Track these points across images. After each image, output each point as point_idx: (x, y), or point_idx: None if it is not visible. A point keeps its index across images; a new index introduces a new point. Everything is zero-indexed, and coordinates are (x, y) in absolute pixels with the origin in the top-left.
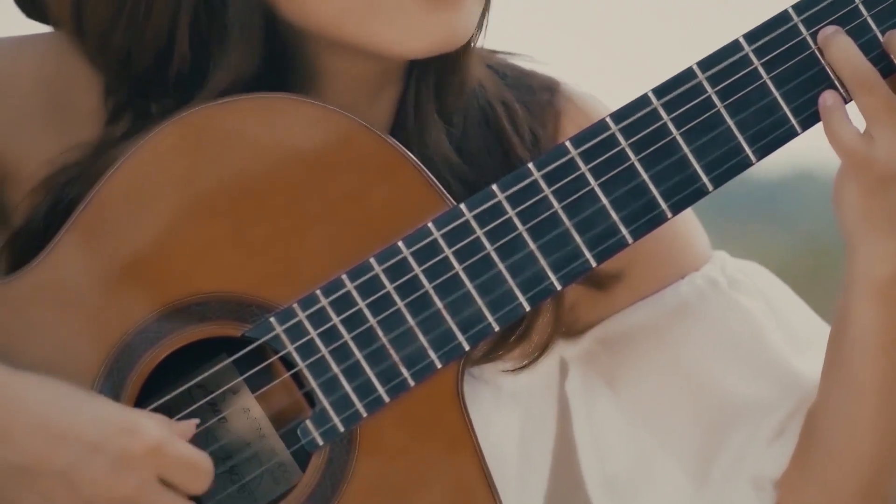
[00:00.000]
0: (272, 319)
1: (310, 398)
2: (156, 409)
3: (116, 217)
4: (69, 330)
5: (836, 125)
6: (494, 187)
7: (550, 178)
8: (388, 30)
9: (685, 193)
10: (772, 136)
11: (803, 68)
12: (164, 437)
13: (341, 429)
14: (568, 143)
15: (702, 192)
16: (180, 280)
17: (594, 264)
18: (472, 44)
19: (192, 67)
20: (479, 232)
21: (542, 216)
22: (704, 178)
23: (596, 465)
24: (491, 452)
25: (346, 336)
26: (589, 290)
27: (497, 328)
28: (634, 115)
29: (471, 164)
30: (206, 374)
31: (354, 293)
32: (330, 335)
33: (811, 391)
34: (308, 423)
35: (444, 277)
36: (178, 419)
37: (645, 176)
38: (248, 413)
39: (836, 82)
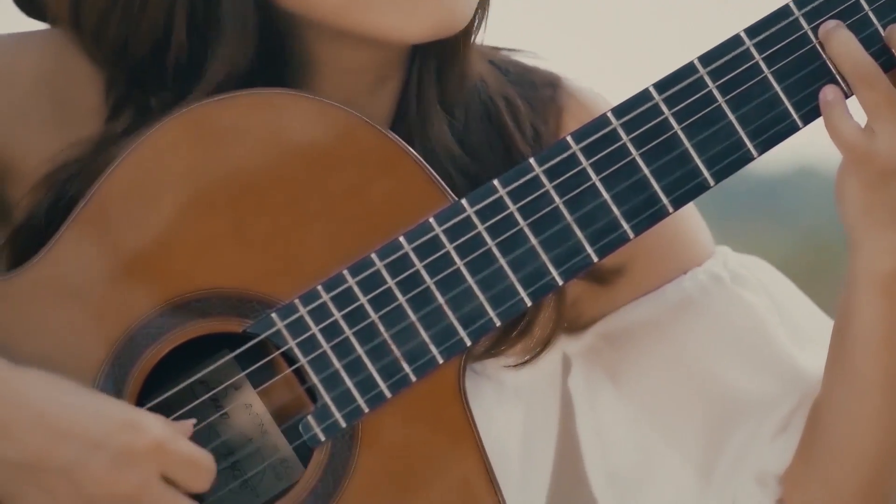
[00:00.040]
0: (273, 315)
1: (311, 394)
2: (158, 405)
3: (117, 213)
4: (71, 326)
5: (836, 120)
6: (496, 182)
7: (552, 174)
8: (387, 15)
9: (686, 188)
10: (773, 131)
11: (804, 63)
12: (166, 434)
13: (343, 424)
14: (569, 138)
15: (703, 187)
16: (181, 276)
17: (596, 259)
18: (473, 32)
19: (191, 60)
20: (481, 227)
21: (544, 211)
22: (706, 173)
23: (599, 461)
24: (493, 448)
25: (348, 331)
26: (591, 286)
27: (498, 323)
28: (636, 109)
29: (473, 159)
30: (207, 370)
31: (356, 288)
32: (331, 331)
33: (814, 386)
34: (310, 418)
35: (446, 273)
36: (179, 416)
37: (646, 171)
38: (249, 409)
39: (838, 77)
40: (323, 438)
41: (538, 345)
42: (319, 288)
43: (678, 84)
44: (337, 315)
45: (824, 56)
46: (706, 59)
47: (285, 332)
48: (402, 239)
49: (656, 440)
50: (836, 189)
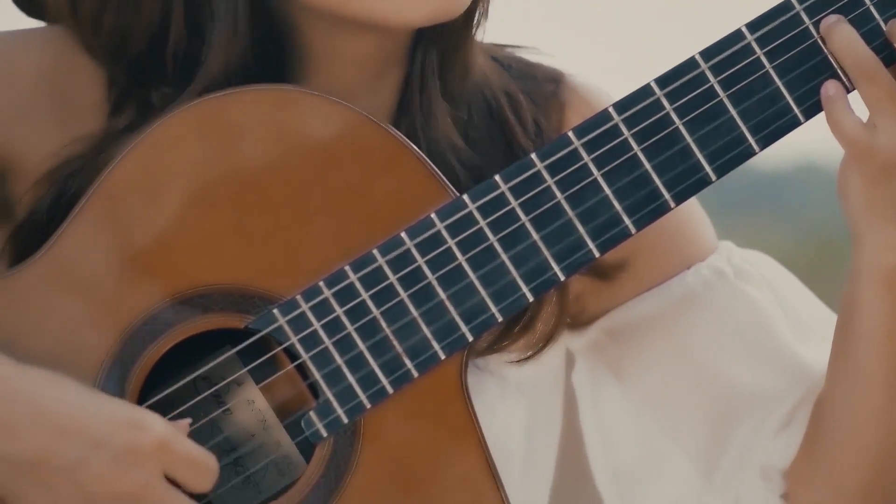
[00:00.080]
0: (275, 311)
1: (313, 389)
2: (160, 401)
3: (120, 209)
4: (73, 322)
5: (838, 115)
6: (497, 178)
7: (553, 169)
8: (385, 0)
9: (688, 183)
10: (775, 126)
11: (806, 57)
12: (170, 433)
13: (345, 420)
14: (570, 134)
15: (705, 182)
16: (183, 271)
17: (597, 254)
18: (474, 24)
19: (189, 53)
20: (482, 223)
21: (545, 207)
22: (707, 168)
23: (603, 457)
24: (495, 443)
25: (350, 327)
26: (594, 281)
27: (500, 319)
28: (637, 105)
29: (476, 152)
30: (209, 366)
31: (357, 284)
32: (333, 326)
33: (818, 381)
34: (312, 414)
35: (448, 268)
36: (181, 412)
37: (648, 166)
38: (252, 405)
39: (839, 71)
40: (325, 434)
41: (541, 340)
42: (321, 284)
43: (679, 79)
44: (339, 311)
45: (826, 51)
46: (707, 53)
47: (287, 328)
48: (403, 234)
49: (660, 435)
50: (838, 184)
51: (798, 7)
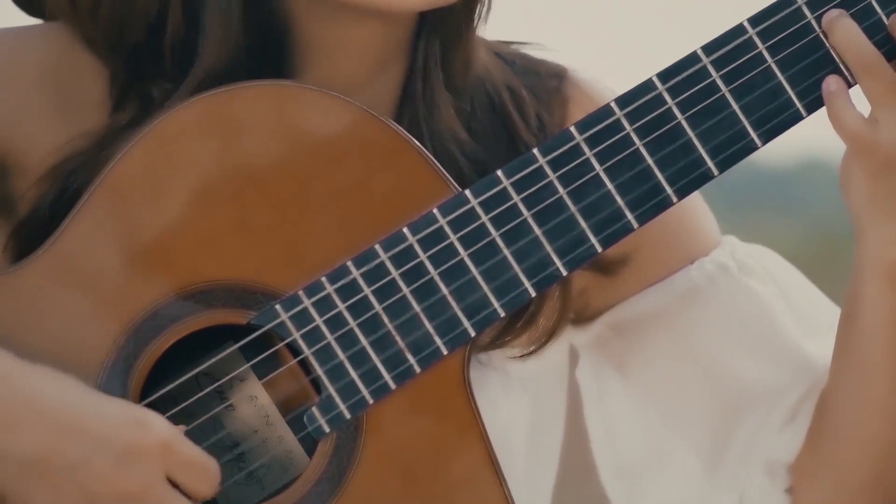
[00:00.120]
0: (278, 307)
1: (316, 385)
2: (163, 397)
3: (122, 205)
4: (76, 318)
5: (839, 110)
6: (499, 173)
7: (555, 164)
8: None
9: (690, 178)
10: (777, 120)
11: (808, 52)
12: (173, 434)
13: (348, 415)
14: (573, 129)
15: (707, 177)
16: (186, 267)
17: (599, 249)
18: (476, 15)
19: (188, 47)
20: (485, 218)
21: (548, 201)
22: (710, 163)
23: (607, 452)
24: (498, 439)
25: (352, 323)
26: (597, 276)
27: (503, 314)
28: (639, 99)
29: (479, 146)
30: (212, 361)
31: (360, 280)
32: (336, 322)
33: (822, 375)
34: (314, 409)
35: (450, 263)
36: (184, 408)
37: (650, 160)
38: (254, 400)
39: (841, 66)
40: (328, 430)
41: (543, 335)
42: (323, 279)
43: (681, 74)
44: (341, 306)
45: (827, 45)
46: (709, 48)
47: (289, 324)
48: (405, 230)
49: (664, 430)
50: (840, 179)
51: (800, 1)
